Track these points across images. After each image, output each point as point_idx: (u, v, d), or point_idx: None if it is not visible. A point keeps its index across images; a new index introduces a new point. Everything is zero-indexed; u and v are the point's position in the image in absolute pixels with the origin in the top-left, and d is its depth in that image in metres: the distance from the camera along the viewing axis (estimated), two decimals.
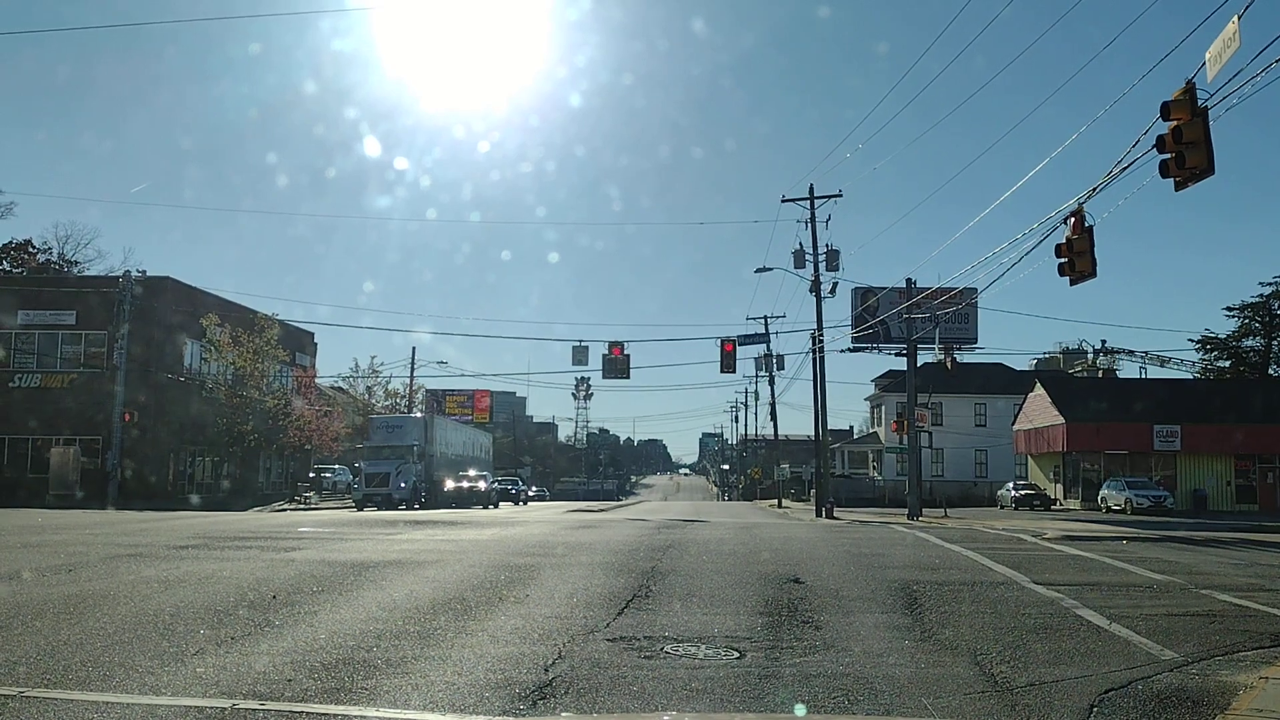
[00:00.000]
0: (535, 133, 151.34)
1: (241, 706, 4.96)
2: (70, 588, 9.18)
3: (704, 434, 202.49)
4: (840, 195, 37.69)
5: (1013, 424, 56.85)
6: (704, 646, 6.80)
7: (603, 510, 40.49)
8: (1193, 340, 64.85)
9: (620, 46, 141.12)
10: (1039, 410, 51.23)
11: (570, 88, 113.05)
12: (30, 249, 57.68)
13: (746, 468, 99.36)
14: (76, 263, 59.40)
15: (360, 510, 36.04)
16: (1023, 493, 47.59)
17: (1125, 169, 14.22)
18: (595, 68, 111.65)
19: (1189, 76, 12.01)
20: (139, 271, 41.97)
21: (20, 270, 55.57)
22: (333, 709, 5.00)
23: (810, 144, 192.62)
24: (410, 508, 37.49)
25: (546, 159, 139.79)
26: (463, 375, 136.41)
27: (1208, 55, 11.34)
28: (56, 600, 8.34)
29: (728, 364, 38.08)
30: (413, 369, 61.13)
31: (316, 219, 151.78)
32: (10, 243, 56.97)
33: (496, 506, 42.40)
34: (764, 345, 49.72)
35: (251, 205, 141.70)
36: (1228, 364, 62.04)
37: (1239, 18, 10.92)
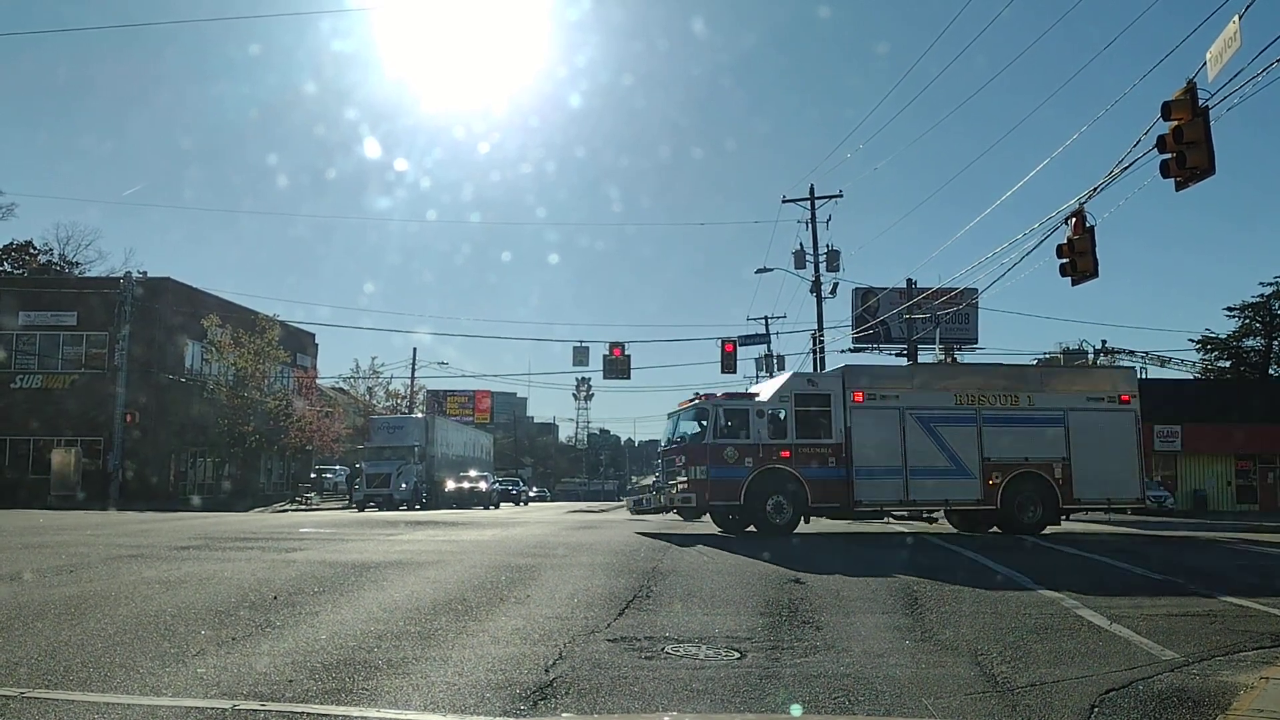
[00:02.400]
0: (535, 133, 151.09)
1: (242, 707, 4.97)
2: (71, 588, 9.18)
3: None
4: (840, 195, 37.92)
5: None
6: (705, 647, 6.80)
7: (604, 511, 40.52)
8: (1193, 340, 64.80)
9: (620, 47, 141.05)
10: None
11: (570, 88, 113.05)
12: (31, 250, 57.89)
13: None
14: (77, 264, 59.61)
15: (361, 511, 36.08)
16: None
17: (1126, 169, 14.24)
18: (595, 68, 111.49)
19: (1190, 76, 12.04)
20: (140, 272, 42.10)
21: (21, 271, 55.74)
22: (334, 709, 5.01)
23: (810, 144, 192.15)
24: (411, 508, 37.53)
25: (547, 159, 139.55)
26: (463, 376, 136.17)
27: (1208, 55, 11.36)
28: (58, 601, 8.34)
29: (728, 364, 38.09)
30: (413, 369, 61.33)
31: (317, 220, 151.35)
32: (11, 244, 57.19)
33: (497, 507, 42.45)
34: (764, 346, 49.65)
35: (252, 206, 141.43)
36: (1228, 364, 62.01)
37: (1240, 17, 10.94)
